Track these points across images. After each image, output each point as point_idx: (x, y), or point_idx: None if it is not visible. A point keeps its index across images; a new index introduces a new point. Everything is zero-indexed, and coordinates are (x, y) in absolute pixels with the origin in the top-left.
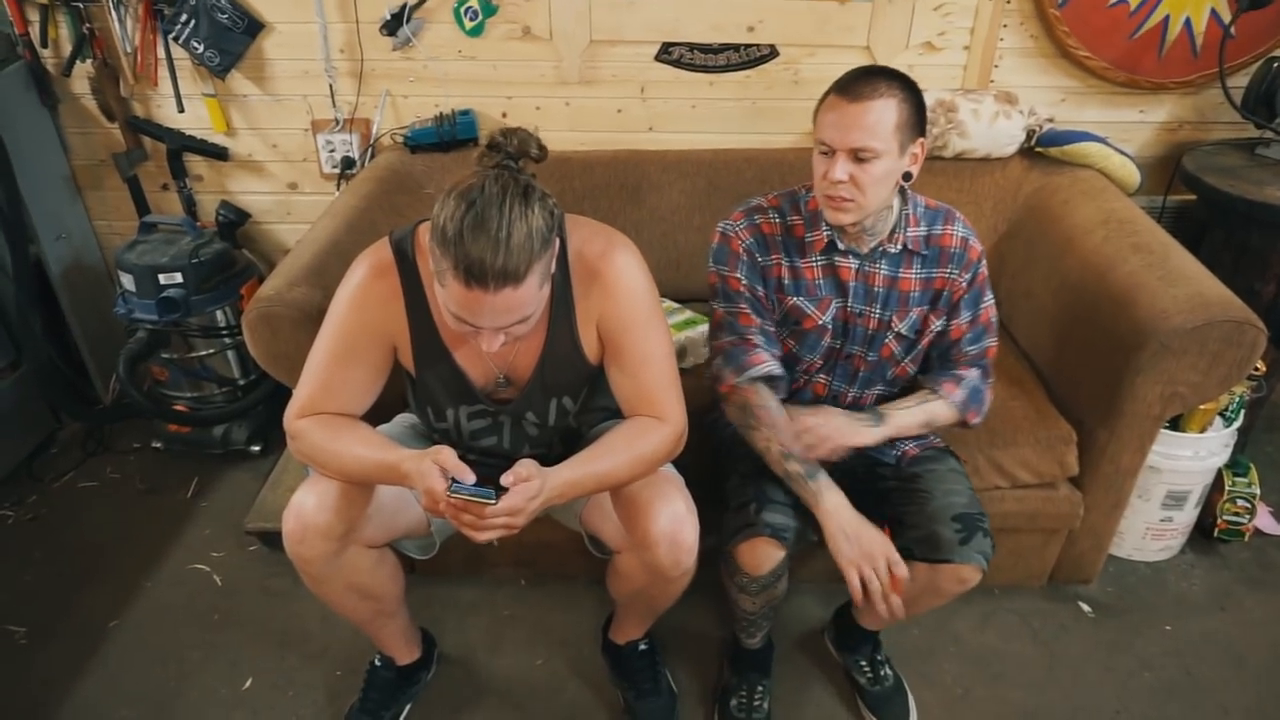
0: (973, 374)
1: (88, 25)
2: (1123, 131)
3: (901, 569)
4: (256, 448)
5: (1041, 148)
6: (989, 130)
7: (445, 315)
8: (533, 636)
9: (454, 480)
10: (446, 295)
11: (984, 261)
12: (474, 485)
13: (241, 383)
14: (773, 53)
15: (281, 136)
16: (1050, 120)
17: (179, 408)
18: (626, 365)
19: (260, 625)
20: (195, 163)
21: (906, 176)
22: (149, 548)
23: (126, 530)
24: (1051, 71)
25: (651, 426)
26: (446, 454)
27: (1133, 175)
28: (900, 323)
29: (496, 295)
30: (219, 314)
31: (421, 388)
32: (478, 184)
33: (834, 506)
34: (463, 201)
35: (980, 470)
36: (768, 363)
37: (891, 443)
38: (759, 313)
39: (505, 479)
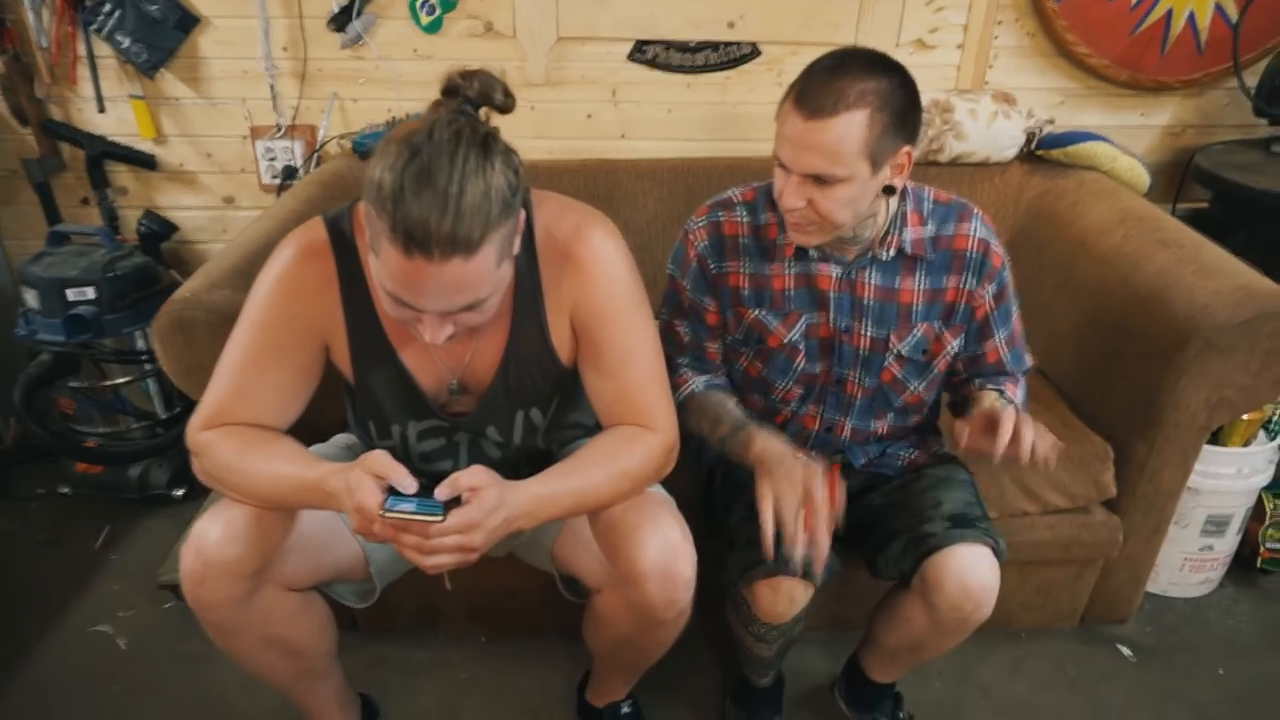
0: (1021, 374)
1: None
2: (1124, 136)
3: (820, 503)
4: (179, 492)
5: (1043, 150)
6: (987, 131)
7: (380, 295)
8: (495, 702)
9: (391, 492)
10: (381, 267)
11: (1009, 268)
12: (418, 499)
13: (163, 416)
14: (754, 51)
15: (217, 144)
16: (1050, 122)
17: (89, 444)
18: (605, 364)
19: (171, 696)
20: (119, 174)
21: (889, 190)
22: (44, 608)
23: (19, 588)
24: (1049, 72)
25: (636, 436)
26: (378, 458)
27: (1142, 177)
28: (900, 342)
29: (442, 267)
30: (138, 337)
31: (362, 397)
32: (425, 129)
33: (762, 446)
34: (405, 148)
35: (1006, 493)
36: (690, 382)
37: (897, 454)
38: (698, 332)
39: (440, 490)
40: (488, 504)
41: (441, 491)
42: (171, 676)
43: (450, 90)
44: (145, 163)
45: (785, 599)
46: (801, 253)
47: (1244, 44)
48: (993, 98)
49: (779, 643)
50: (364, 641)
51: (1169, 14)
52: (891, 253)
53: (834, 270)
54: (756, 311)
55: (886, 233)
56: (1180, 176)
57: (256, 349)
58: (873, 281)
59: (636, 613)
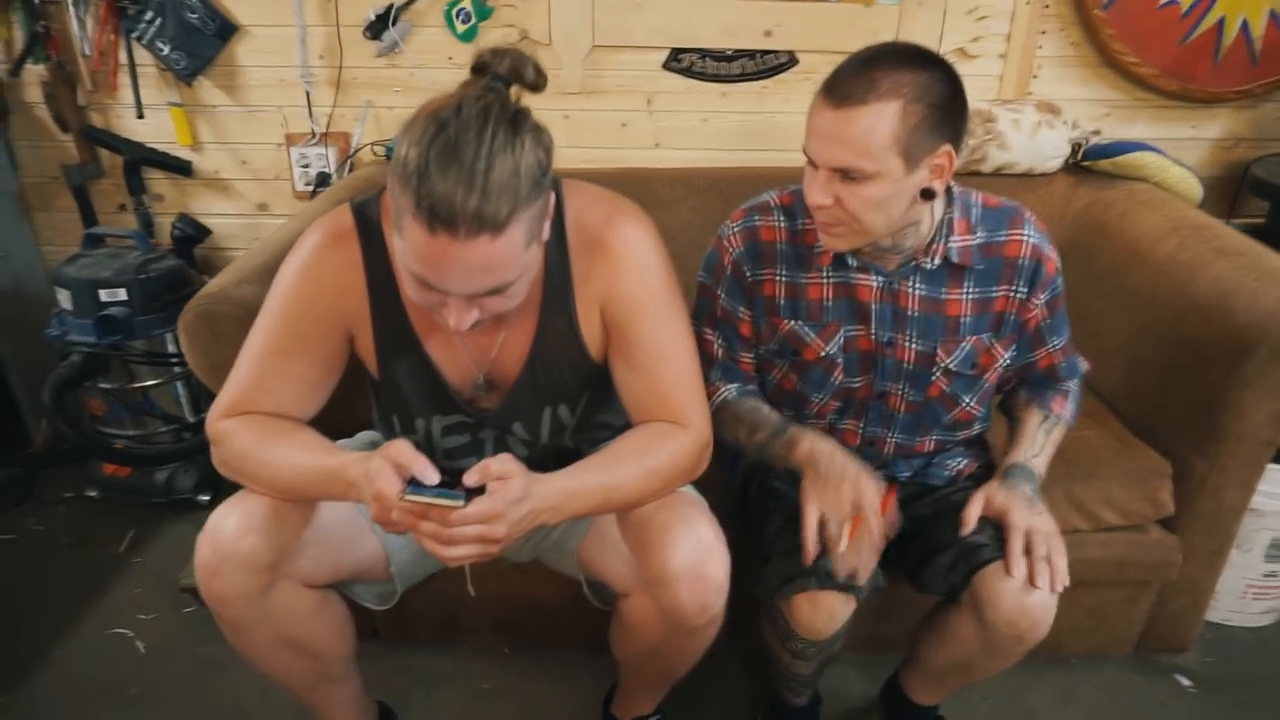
0: (1073, 382)
1: (43, 24)
2: (1174, 149)
3: (871, 518)
4: (205, 497)
5: (1090, 161)
6: (1031, 142)
7: (405, 278)
8: (517, 714)
9: (412, 482)
10: (406, 246)
11: (1062, 275)
12: (439, 488)
13: (191, 421)
14: (791, 60)
15: (252, 152)
16: (1097, 132)
17: (117, 446)
18: (636, 359)
19: (186, 701)
20: (156, 181)
21: (927, 194)
22: (65, 609)
23: (43, 590)
24: (1094, 83)
25: (668, 433)
26: (400, 446)
27: (1194, 189)
28: (948, 357)
29: (468, 246)
30: (168, 340)
31: (386, 390)
32: (453, 105)
33: (810, 447)
34: (432, 124)
35: (1057, 507)
36: (722, 391)
37: (944, 464)
38: (731, 342)
39: (469, 476)
40: (512, 494)
41: (470, 477)
42: (189, 681)
43: (480, 68)
44: (181, 169)
45: (825, 614)
46: (840, 261)
47: None
48: (1036, 107)
49: (817, 660)
50: (384, 650)
51: (1221, 22)
52: (937, 261)
53: (875, 280)
54: (792, 322)
55: (932, 241)
56: (1234, 191)
57: (280, 337)
58: (917, 292)
59: (666, 618)
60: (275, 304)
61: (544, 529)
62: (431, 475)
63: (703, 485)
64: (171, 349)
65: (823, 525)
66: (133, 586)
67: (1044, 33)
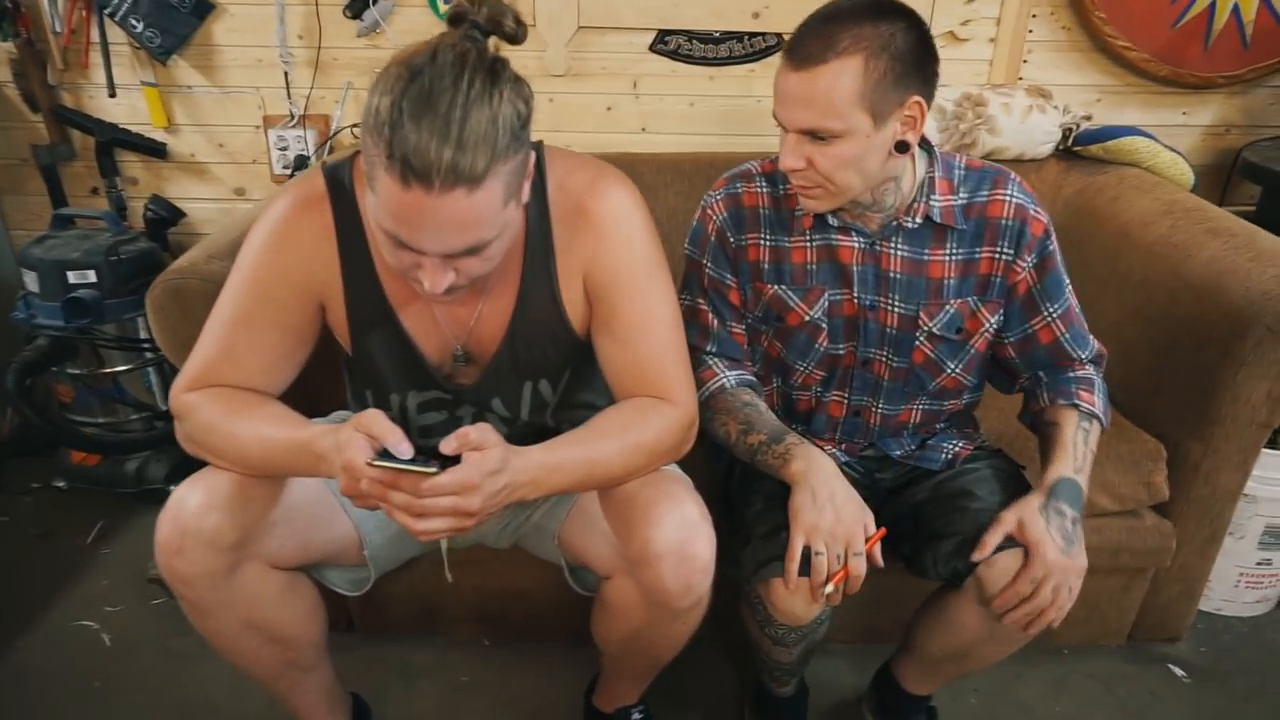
0: (1090, 369)
1: None
2: (1165, 136)
3: (859, 564)
4: (176, 488)
5: (1080, 146)
6: (1022, 126)
7: (378, 237)
8: (496, 707)
9: (384, 454)
10: (378, 202)
11: (1053, 237)
12: (412, 461)
13: (163, 408)
14: (779, 43)
15: (229, 134)
16: (1088, 117)
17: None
18: (620, 331)
19: (153, 695)
20: (130, 164)
21: (901, 147)
22: (30, 602)
23: (7, 582)
24: (1086, 68)
25: (652, 408)
26: (373, 416)
27: (1185, 174)
28: (931, 320)
29: (443, 200)
30: (140, 324)
31: (359, 364)
32: (427, 52)
33: (805, 466)
34: (406, 71)
35: None
36: (719, 377)
37: (939, 446)
38: (721, 313)
39: (446, 444)
40: (489, 465)
41: (447, 445)
42: (156, 674)
43: (457, 18)
44: (156, 151)
45: (803, 598)
46: (822, 224)
47: None
48: (1027, 92)
49: (799, 646)
50: (360, 641)
51: (1212, 6)
52: (918, 220)
53: (856, 242)
54: (776, 287)
55: (914, 200)
56: (1224, 179)
57: (248, 305)
58: (899, 253)
59: (650, 599)
60: (243, 272)
61: (524, 510)
62: (405, 448)
63: (686, 466)
64: (143, 334)
65: (806, 547)
66: (100, 578)
67: (1035, 16)
